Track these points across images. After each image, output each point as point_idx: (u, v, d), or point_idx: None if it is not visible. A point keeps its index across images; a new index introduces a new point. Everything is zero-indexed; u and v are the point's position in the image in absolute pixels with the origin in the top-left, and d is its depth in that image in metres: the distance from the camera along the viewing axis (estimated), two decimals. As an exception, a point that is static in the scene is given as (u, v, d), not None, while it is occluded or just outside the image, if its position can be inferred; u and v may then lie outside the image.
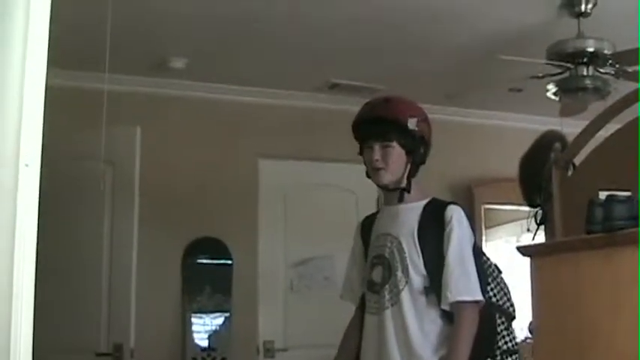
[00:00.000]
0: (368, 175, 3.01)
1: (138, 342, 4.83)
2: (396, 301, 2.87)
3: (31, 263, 1.35)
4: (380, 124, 2.94)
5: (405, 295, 2.86)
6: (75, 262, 4.95)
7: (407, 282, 2.87)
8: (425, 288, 2.84)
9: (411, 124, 2.92)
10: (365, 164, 3.01)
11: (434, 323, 2.83)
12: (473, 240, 2.92)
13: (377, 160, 2.93)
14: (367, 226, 3.13)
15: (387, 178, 2.95)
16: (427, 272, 2.84)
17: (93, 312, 4.93)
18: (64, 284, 4.77)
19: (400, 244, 2.91)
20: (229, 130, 6.02)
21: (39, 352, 1.49)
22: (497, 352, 2.88)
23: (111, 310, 4.92)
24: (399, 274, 2.88)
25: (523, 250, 3.15)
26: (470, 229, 2.92)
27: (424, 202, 2.96)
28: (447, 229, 2.85)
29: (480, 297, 2.80)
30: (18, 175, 1.32)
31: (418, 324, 2.83)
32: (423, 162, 3.01)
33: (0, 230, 1.31)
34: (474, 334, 2.79)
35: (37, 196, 1.35)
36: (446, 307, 2.80)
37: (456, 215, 2.88)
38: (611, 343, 2.65)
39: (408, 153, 2.94)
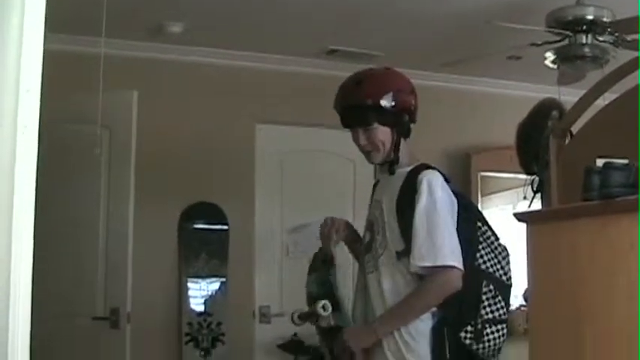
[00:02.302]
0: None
1: (134, 306, 4.86)
2: (376, 266, 2.93)
3: (29, 224, 1.35)
4: (356, 111, 2.97)
5: (382, 261, 2.91)
6: (71, 227, 4.96)
7: (385, 248, 2.91)
8: (397, 253, 2.86)
9: (386, 102, 2.92)
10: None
11: (411, 288, 2.85)
12: (451, 205, 2.88)
13: (364, 145, 2.98)
14: (374, 189, 3.18)
15: (378, 157, 3.01)
16: (403, 238, 2.85)
17: (89, 276, 4.95)
18: (61, 249, 4.78)
19: (382, 210, 2.96)
20: (227, 95, 6.00)
21: (36, 315, 1.49)
22: (479, 321, 2.85)
23: (107, 275, 4.94)
24: (379, 239, 2.93)
25: (520, 217, 3.14)
26: (446, 194, 2.87)
27: (409, 168, 2.96)
28: (417, 195, 2.84)
29: (447, 262, 2.76)
30: (16, 136, 1.31)
31: (395, 289, 2.86)
32: (409, 129, 3.03)
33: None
34: (439, 298, 2.80)
35: (36, 157, 1.35)
36: (416, 271, 2.80)
37: (426, 181, 2.85)
38: (608, 310, 2.65)
39: (391, 128, 2.96)
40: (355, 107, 2.97)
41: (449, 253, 2.78)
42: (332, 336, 3.01)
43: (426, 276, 2.80)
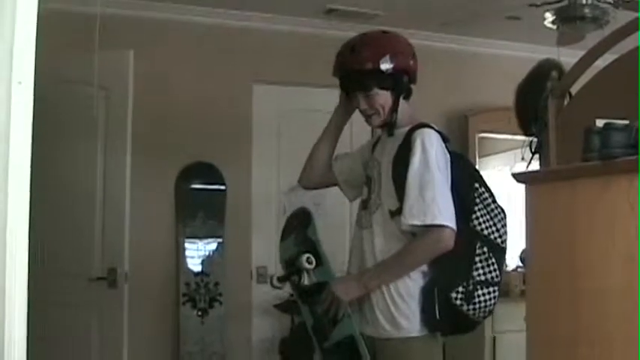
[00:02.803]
0: None
1: (132, 266, 4.87)
2: (370, 223, 2.94)
3: (25, 183, 1.34)
4: (354, 77, 2.97)
5: (376, 218, 2.92)
6: (68, 187, 4.95)
7: (379, 205, 2.92)
8: (390, 212, 2.87)
9: (384, 65, 2.91)
10: None
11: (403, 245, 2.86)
12: (445, 164, 2.86)
13: (365, 109, 2.99)
14: (373, 148, 3.17)
15: (379, 121, 3.01)
16: (397, 197, 2.84)
17: (87, 236, 4.95)
18: (58, 209, 4.78)
19: (380, 168, 2.97)
20: (223, 55, 5.96)
21: (34, 277, 1.48)
22: (471, 282, 2.84)
23: (105, 235, 4.94)
24: (374, 197, 2.95)
25: (519, 177, 3.14)
26: (440, 153, 2.85)
27: (407, 128, 2.94)
28: (411, 153, 2.83)
29: (435, 221, 2.75)
30: (11, 93, 1.30)
31: (387, 247, 2.87)
32: (409, 90, 3.02)
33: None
34: (428, 255, 2.81)
35: (31, 114, 1.33)
36: (407, 229, 2.80)
37: (420, 139, 2.83)
38: (606, 271, 2.65)
39: (391, 91, 2.95)
40: (354, 72, 2.96)
41: (439, 212, 2.76)
42: (314, 294, 2.99)
43: (417, 234, 2.80)
